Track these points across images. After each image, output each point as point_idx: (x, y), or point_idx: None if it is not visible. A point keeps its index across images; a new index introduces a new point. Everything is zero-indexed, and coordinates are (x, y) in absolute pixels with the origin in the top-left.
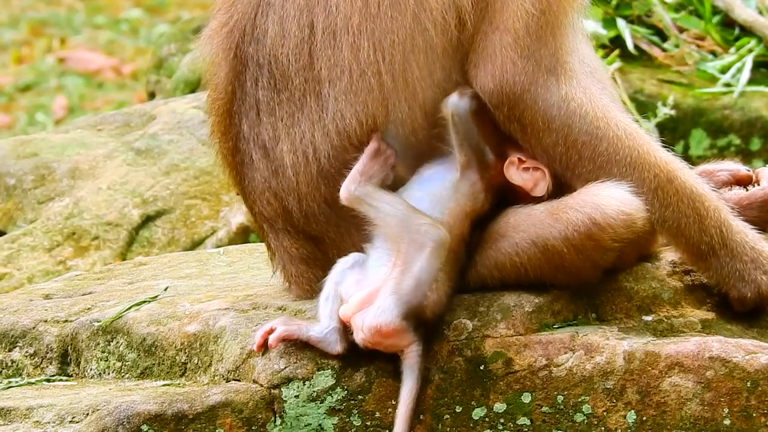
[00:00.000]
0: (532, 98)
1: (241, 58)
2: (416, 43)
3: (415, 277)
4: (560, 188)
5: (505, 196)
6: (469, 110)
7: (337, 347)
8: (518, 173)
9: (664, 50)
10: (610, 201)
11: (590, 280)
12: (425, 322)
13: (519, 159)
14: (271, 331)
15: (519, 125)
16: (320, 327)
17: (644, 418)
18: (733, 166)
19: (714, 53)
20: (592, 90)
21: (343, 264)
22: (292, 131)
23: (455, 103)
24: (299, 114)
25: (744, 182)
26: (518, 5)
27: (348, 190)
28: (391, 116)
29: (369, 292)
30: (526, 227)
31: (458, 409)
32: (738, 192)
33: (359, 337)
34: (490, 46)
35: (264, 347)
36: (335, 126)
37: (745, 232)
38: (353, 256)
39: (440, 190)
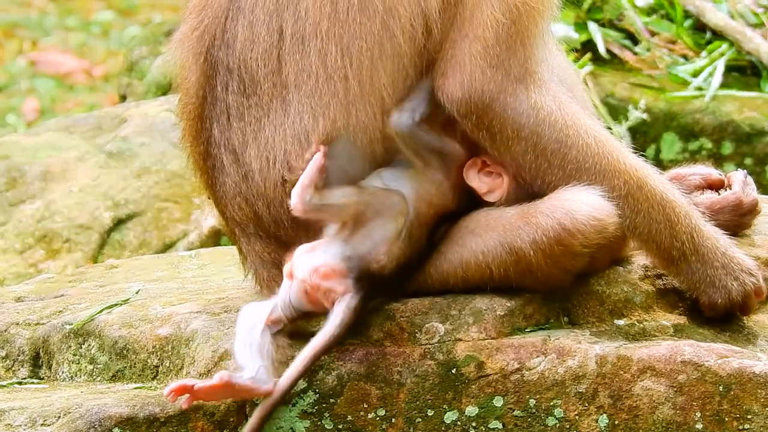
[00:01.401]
0: (501, 107)
1: (211, 63)
2: (384, 50)
3: (367, 231)
4: (532, 196)
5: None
6: (412, 123)
7: (269, 384)
8: (476, 176)
9: (635, 54)
10: (581, 206)
11: (560, 285)
12: (368, 276)
13: (483, 162)
14: (187, 388)
15: (488, 134)
16: (249, 371)
17: (616, 422)
18: (705, 170)
19: (685, 57)
20: (561, 98)
21: (248, 318)
22: (259, 136)
23: (396, 120)
24: (265, 119)
25: (716, 186)
26: (488, 14)
27: (302, 201)
28: (352, 122)
29: (315, 243)
30: (495, 227)
31: (430, 413)
32: (710, 196)
33: (297, 282)
34: (459, 54)
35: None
36: (294, 130)
37: (716, 237)
38: (252, 313)
39: (410, 173)
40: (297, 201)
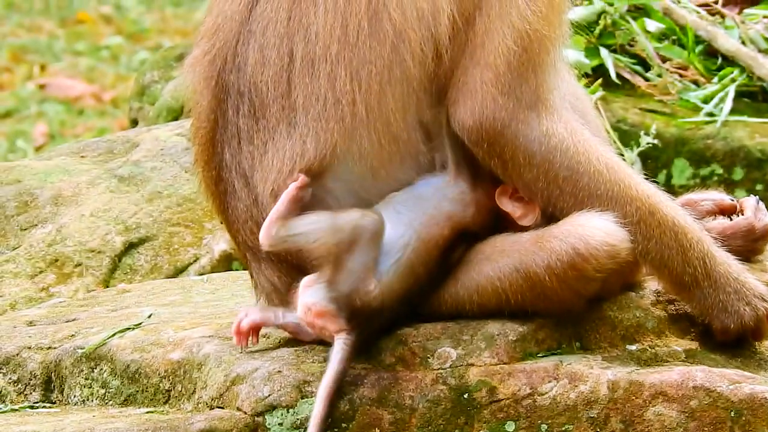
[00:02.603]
0: (512, 134)
1: (223, 87)
2: (393, 74)
3: (346, 267)
4: (548, 220)
5: (498, 224)
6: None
7: (312, 335)
8: (509, 201)
9: (647, 79)
10: (594, 231)
11: (573, 310)
12: (359, 313)
13: (514, 188)
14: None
15: (500, 161)
16: (296, 314)
17: None
18: (717, 196)
19: (697, 83)
20: (573, 125)
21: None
22: (264, 159)
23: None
24: (270, 142)
25: (728, 212)
26: (500, 41)
27: (268, 236)
28: (353, 148)
29: (315, 276)
30: (511, 253)
31: None
32: (722, 222)
33: (298, 314)
34: (470, 81)
35: (243, 338)
36: (292, 153)
37: (728, 263)
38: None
39: (425, 192)
40: (263, 235)
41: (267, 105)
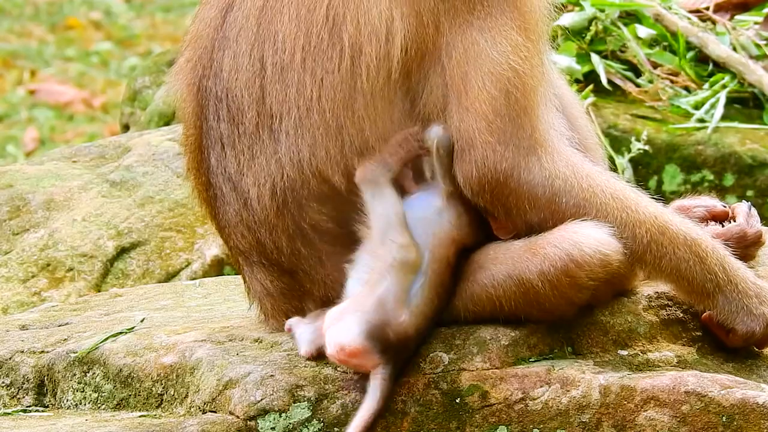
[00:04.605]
0: (515, 183)
1: (204, 93)
2: (356, 85)
3: (378, 297)
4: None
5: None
6: (452, 140)
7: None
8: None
9: (638, 85)
10: (588, 239)
11: (564, 317)
12: (393, 345)
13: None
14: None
15: (503, 208)
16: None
17: None
18: (709, 202)
19: (688, 89)
20: (573, 160)
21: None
22: (253, 164)
23: (439, 134)
24: (256, 147)
25: (720, 218)
26: (479, 89)
27: (363, 171)
28: (345, 149)
29: (342, 309)
30: (504, 260)
31: None
32: (714, 228)
33: (328, 353)
34: (465, 132)
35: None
36: (289, 159)
37: (743, 268)
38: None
39: (427, 215)
40: (360, 168)
41: (243, 111)
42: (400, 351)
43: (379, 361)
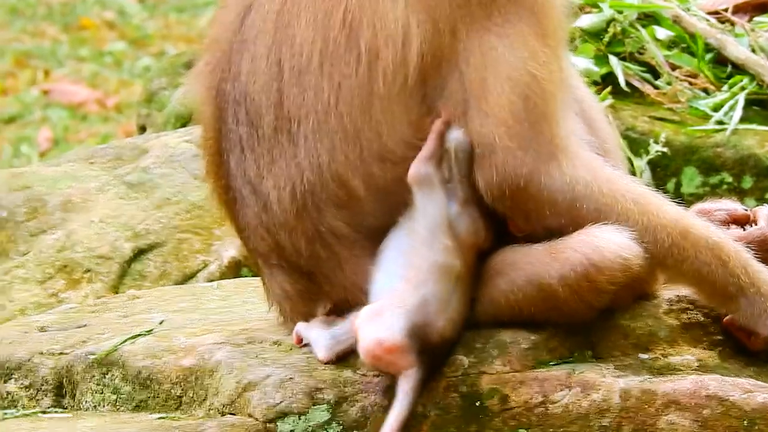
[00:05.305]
0: (536, 188)
1: (222, 96)
2: (374, 90)
3: (423, 297)
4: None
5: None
6: (471, 146)
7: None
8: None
9: (656, 87)
10: (608, 244)
11: (584, 321)
12: (430, 348)
13: None
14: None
15: (523, 213)
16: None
17: None
18: (730, 206)
19: (706, 91)
20: (593, 164)
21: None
22: (273, 167)
23: (458, 138)
24: (276, 151)
25: (741, 221)
26: (498, 93)
27: (417, 169)
28: (364, 154)
29: (380, 305)
30: (523, 265)
31: None
32: (735, 231)
33: (362, 348)
34: (485, 137)
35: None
36: (309, 163)
37: (765, 271)
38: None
39: (444, 221)
40: (414, 166)
41: (261, 114)
42: (434, 356)
43: (414, 362)
